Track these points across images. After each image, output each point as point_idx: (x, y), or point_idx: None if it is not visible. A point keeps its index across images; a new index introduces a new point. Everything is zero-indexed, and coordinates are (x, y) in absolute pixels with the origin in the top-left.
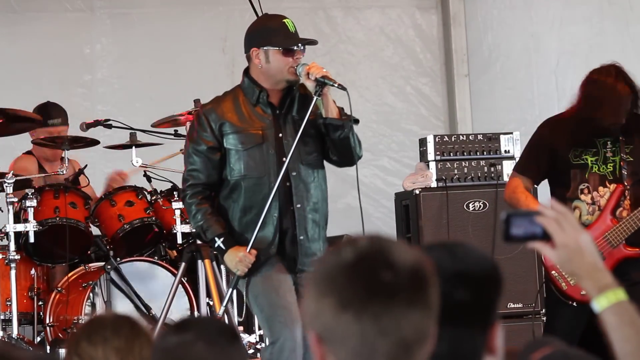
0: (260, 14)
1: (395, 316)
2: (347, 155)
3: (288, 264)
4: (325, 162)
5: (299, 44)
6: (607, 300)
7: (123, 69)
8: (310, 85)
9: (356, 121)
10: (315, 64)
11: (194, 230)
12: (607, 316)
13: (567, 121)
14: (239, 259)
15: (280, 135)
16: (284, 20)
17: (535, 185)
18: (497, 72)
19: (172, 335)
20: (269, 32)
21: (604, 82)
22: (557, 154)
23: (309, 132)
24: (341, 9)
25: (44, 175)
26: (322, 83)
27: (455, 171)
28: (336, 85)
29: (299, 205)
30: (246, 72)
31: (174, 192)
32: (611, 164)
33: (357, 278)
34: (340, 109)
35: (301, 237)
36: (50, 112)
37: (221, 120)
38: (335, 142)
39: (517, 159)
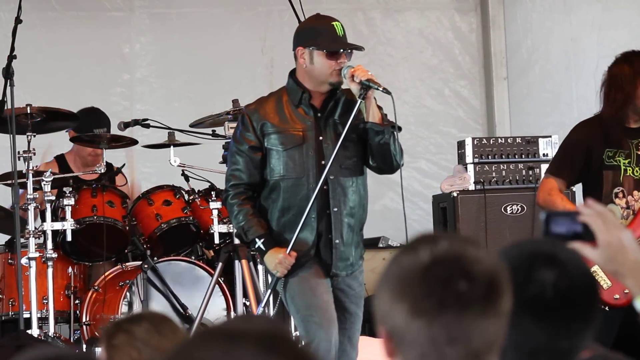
0: (299, 15)
1: (467, 327)
2: (386, 162)
3: (323, 267)
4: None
5: (344, 48)
6: None
7: (162, 68)
8: (354, 88)
9: (399, 128)
10: (361, 67)
11: (234, 230)
12: None
13: (600, 121)
14: (278, 260)
15: (321, 138)
16: (333, 23)
17: (567, 190)
18: (536, 75)
19: None
20: (316, 33)
21: (621, 69)
22: (591, 155)
23: (350, 137)
24: (380, 10)
25: (80, 173)
26: (367, 86)
27: (494, 174)
28: (381, 89)
29: (335, 209)
30: (292, 73)
31: (212, 192)
32: None
33: (432, 286)
34: (383, 115)
35: (337, 241)
36: (97, 119)
37: (263, 120)
38: (375, 148)
39: (550, 161)
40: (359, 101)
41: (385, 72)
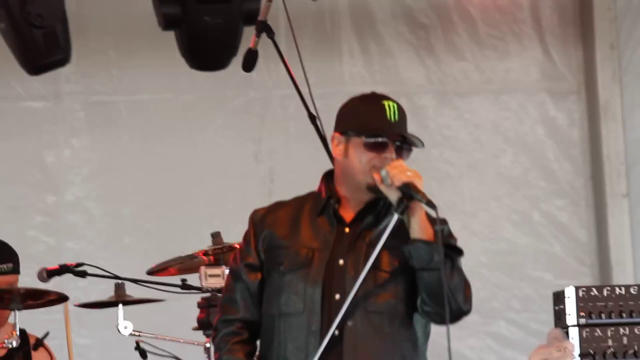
0: (310, 106)
1: None
2: (440, 303)
3: None
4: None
5: (391, 138)
6: None
7: (104, 185)
8: (392, 196)
9: (459, 250)
10: (400, 163)
11: None
12: None
13: None
14: None
15: (341, 262)
16: (385, 102)
17: None
18: None
19: None
20: (357, 113)
21: None
22: None
23: (388, 267)
24: (433, 94)
25: None
26: (409, 195)
27: (610, 342)
28: (424, 200)
29: None
30: (330, 171)
31: None
32: None
33: None
34: (443, 233)
35: None
36: None
37: (269, 229)
38: (423, 280)
39: None
40: (396, 215)
41: (443, 186)
